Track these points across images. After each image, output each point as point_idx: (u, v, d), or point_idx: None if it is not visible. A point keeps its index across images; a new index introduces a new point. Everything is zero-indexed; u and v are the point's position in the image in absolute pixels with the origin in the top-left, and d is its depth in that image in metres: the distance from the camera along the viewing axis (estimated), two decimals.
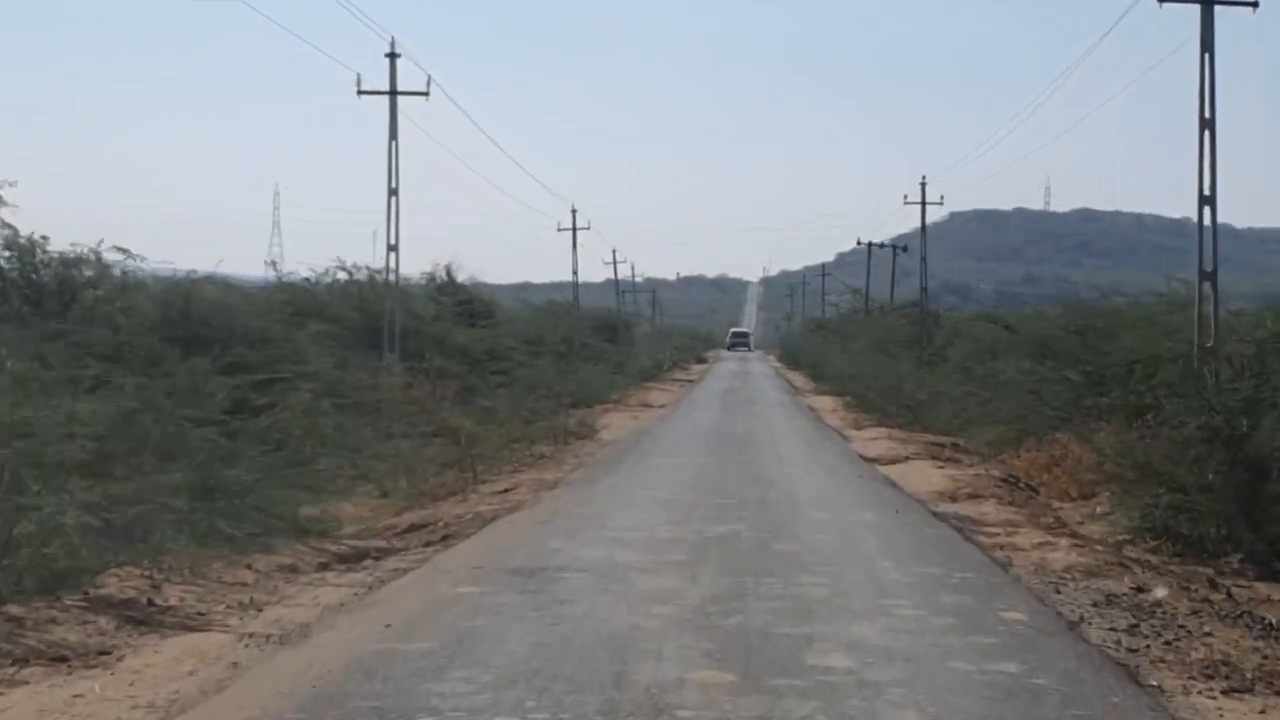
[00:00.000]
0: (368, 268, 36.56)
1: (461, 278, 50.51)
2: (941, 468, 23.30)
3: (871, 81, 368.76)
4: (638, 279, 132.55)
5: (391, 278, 31.99)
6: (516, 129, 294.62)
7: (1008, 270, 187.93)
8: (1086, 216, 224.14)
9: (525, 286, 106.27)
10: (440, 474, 20.74)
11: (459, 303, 47.71)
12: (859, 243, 76.84)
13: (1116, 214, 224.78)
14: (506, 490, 19.21)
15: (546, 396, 35.26)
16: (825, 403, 48.26)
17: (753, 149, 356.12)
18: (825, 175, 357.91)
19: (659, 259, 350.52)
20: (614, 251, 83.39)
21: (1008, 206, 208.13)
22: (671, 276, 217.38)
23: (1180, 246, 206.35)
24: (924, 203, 57.61)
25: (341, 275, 36.67)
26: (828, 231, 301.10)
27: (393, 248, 31.08)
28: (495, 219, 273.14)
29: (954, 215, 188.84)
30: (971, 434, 29.89)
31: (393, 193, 30.31)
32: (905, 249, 73.73)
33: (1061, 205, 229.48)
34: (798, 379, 71.07)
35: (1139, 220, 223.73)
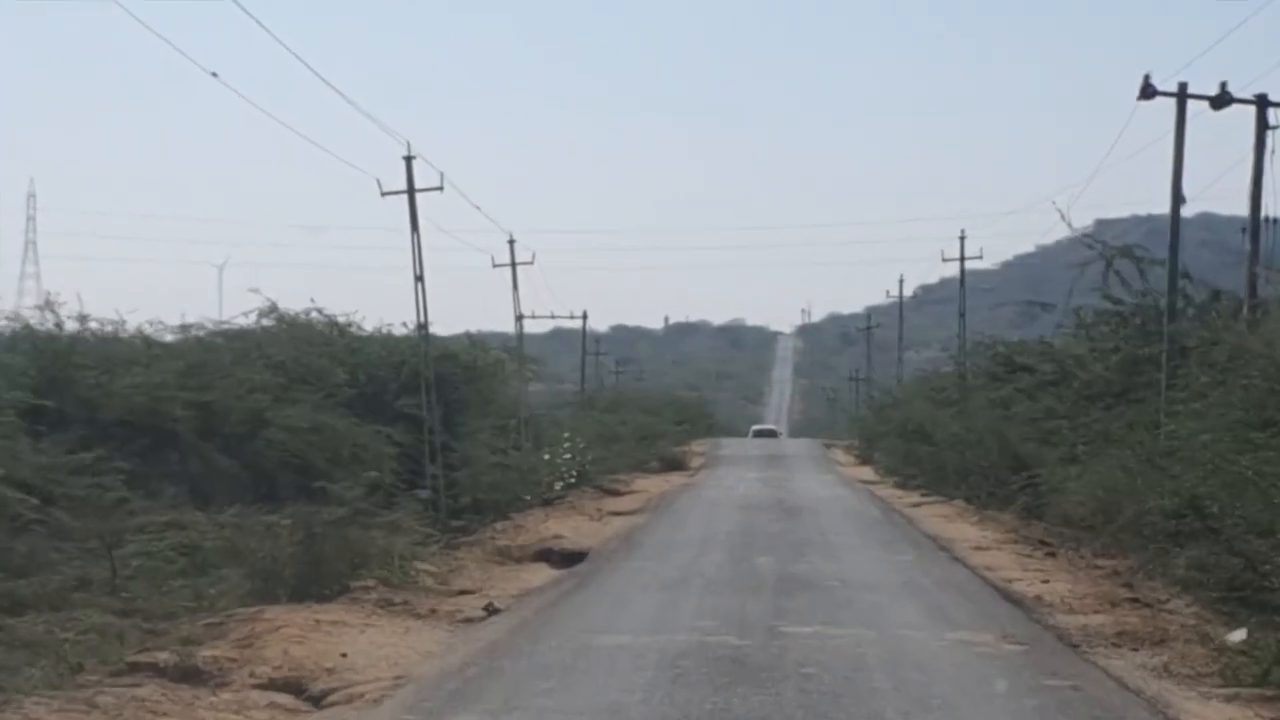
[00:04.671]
0: None
1: None
2: None
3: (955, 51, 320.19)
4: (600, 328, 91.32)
5: None
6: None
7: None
8: None
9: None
10: None
11: None
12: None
13: None
14: None
15: None
16: None
17: (779, 147, 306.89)
18: (886, 185, 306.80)
19: (638, 300, 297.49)
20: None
21: (1187, 212, 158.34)
22: (655, 324, 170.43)
23: None
24: None
25: None
26: (897, 254, 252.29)
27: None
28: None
29: (1100, 224, 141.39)
30: None
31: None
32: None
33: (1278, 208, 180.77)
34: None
35: None
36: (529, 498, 37.21)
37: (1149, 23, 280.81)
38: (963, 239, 55.10)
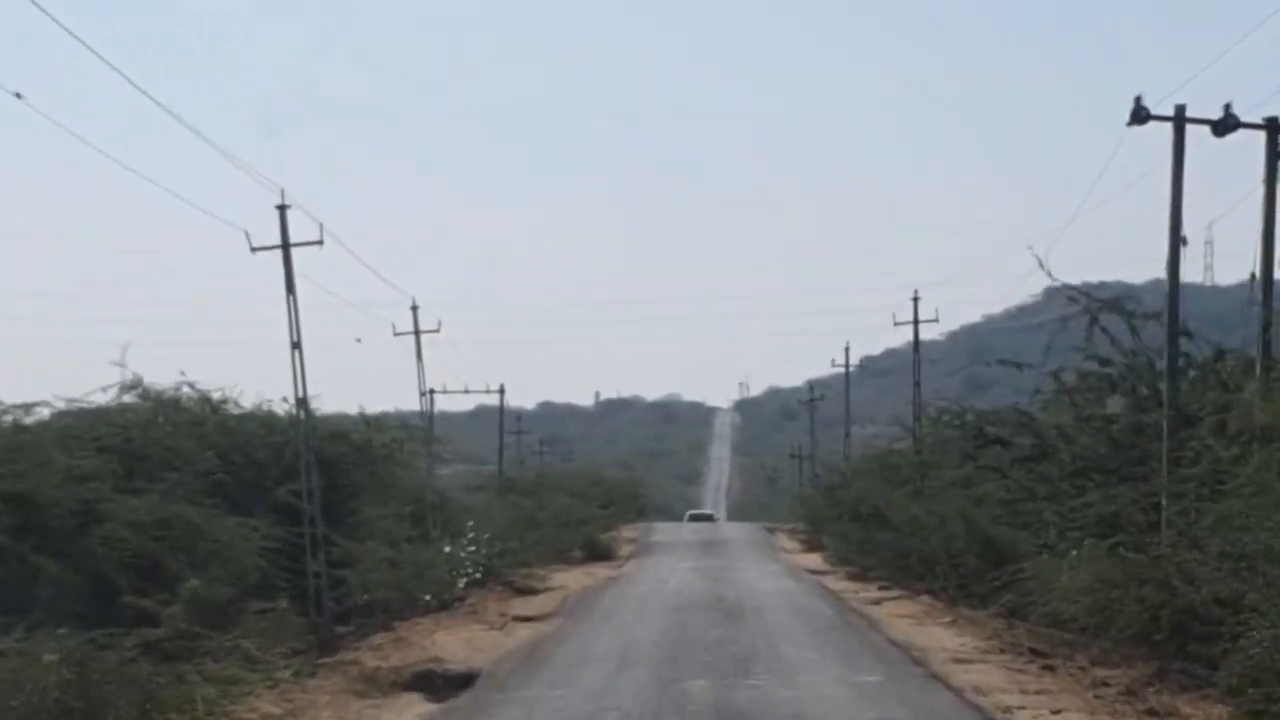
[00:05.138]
0: None
1: None
2: None
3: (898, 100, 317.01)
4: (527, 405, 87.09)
5: None
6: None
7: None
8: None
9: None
10: None
11: None
12: None
13: None
14: None
15: None
16: None
17: (712, 216, 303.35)
18: (823, 254, 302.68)
19: (568, 376, 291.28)
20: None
21: (1139, 278, 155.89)
22: (586, 401, 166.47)
23: None
24: None
25: None
26: (838, 325, 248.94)
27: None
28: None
29: (1051, 292, 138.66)
30: None
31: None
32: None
33: (1228, 275, 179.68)
34: None
35: None
36: (429, 598, 32.90)
37: (1089, 93, 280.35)
38: (916, 300, 51.17)
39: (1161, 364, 28.15)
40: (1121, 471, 27.91)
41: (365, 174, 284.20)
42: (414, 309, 46.36)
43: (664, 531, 65.33)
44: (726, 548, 53.74)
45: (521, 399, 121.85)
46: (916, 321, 50.95)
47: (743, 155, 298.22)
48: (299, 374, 34.17)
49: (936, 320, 52.45)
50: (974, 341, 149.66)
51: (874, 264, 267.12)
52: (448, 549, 35.19)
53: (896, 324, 51.42)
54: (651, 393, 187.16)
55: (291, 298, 33.30)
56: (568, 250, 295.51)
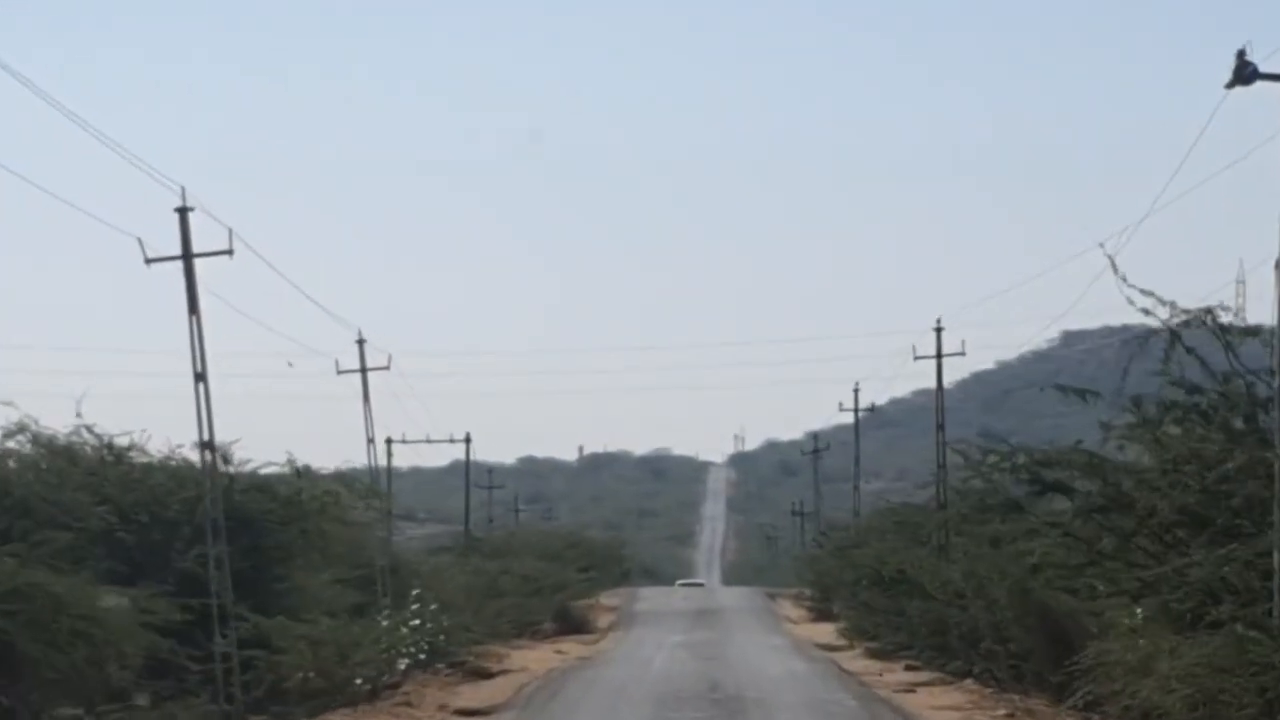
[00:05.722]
0: None
1: None
2: None
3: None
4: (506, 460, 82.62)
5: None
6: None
7: None
8: None
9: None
10: None
11: None
12: None
13: None
14: None
15: None
16: None
17: (703, 262, 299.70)
18: (823, 299, 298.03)
19: (551, 429, 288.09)
20: None
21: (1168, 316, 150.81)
22: (569, 455, 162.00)
23: None
24: None
25: None
26: (839, 373, 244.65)
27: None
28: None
29: (1068, 336, 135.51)
30: None
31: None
32: None
33: (1262, 313, 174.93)
34: None
35: None
36: (359, 682, 27.99)
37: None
38: (939, 330, 45.99)
39: (1267, 389, 23.23)
40: (1217, 526, 22.96)
41: (336, 220, 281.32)
42: (360, 343, 41.41)
43: (651, 598, 60.70)
44: (722, 617, 48.93)
45: (500, 453, 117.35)
46: (940, 355, 45.86)
47: (735, 200, 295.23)
48: (203, 410, 29.71)
49: (963, 354, 47.19)
50: (986, 389, 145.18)
51: (876, 310, 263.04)
52: (385, 622, 30.17)
53: (917, 358, 46.36)
54: (640, 447, 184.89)
55: (194, 318, 29.42)
56: (551, 295, 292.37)
